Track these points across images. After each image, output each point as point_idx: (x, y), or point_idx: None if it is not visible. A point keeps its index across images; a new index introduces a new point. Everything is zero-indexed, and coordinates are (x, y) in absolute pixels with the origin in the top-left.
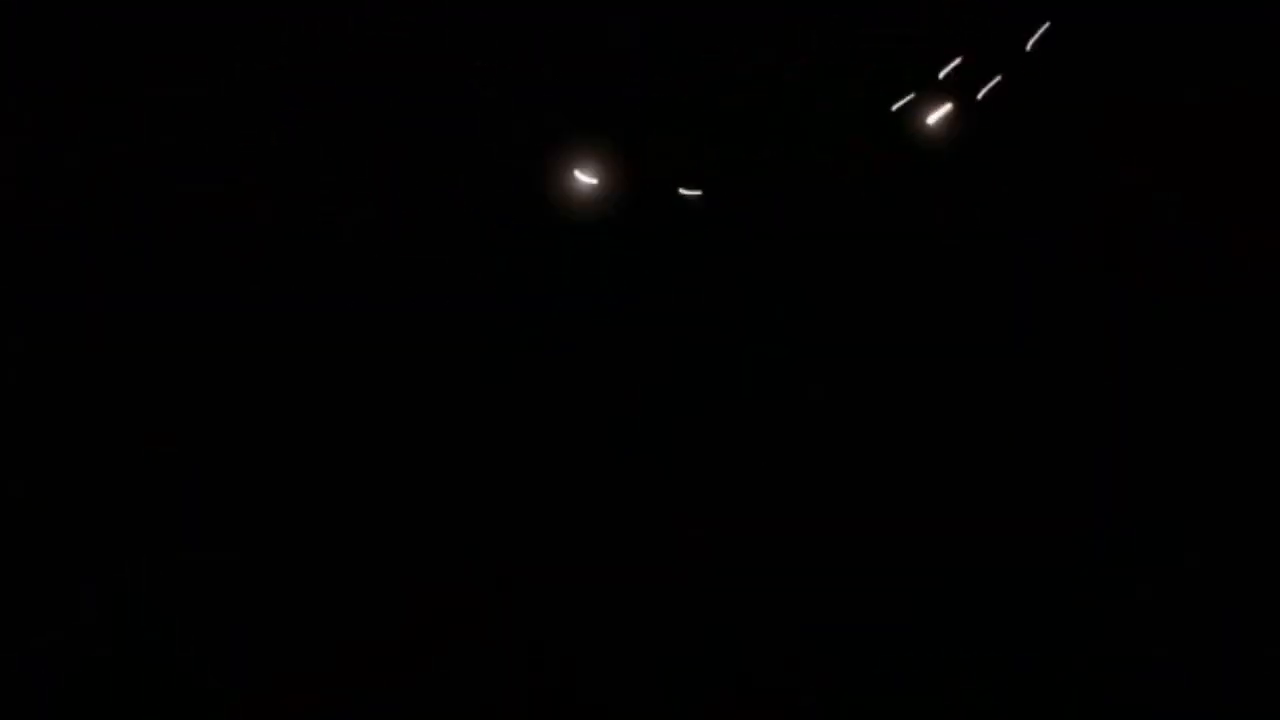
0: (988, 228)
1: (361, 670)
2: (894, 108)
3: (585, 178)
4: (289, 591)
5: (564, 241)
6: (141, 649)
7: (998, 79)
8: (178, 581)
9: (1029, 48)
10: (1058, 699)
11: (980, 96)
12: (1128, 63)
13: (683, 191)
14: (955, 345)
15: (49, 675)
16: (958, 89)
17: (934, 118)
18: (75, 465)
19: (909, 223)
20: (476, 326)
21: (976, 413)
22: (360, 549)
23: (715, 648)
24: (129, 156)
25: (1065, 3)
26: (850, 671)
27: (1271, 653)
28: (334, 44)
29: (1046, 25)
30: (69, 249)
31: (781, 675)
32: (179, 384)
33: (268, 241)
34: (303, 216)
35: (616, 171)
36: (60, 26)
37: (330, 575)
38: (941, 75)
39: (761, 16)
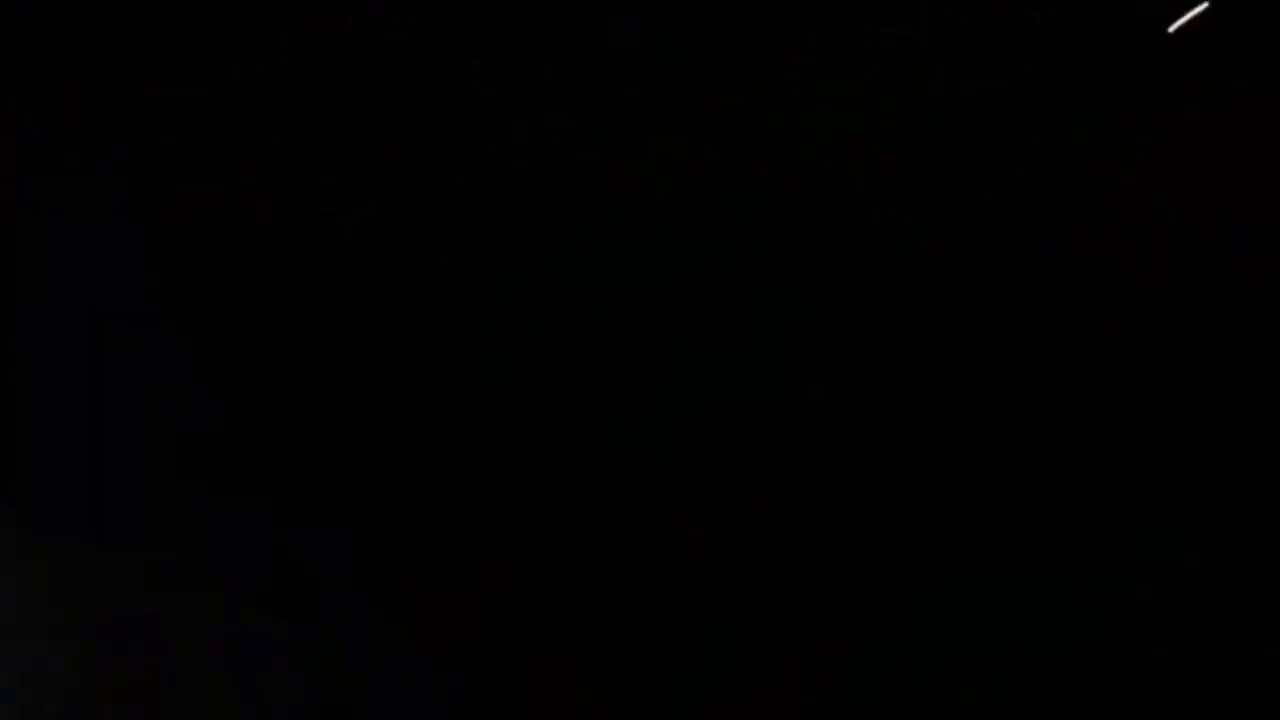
0: (988, 227)
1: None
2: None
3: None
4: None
5: (564, 242)
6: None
7: (997, 79)
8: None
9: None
10: (1058, 699)
11: (980, 97)
12: (1128, 63)
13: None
14: (955, 345)
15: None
16: (958, 89)
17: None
18: (73, 465)
19: (909, 222)
20: (477, 327)
21: (976, 413)
22: (358, 549)
23: (715, 647)
24: (129, 156)
25: (1063, 2)
26: (850, 671)
27: (1271, 653)
28: (334, 44)
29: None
30: (69, 249)
31: (782, 675)
32: (179, 384)
33: (268, 241)
34: (303, 216)
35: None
36: (60, 26)
37: (330, 575)
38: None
39: (762, 16)
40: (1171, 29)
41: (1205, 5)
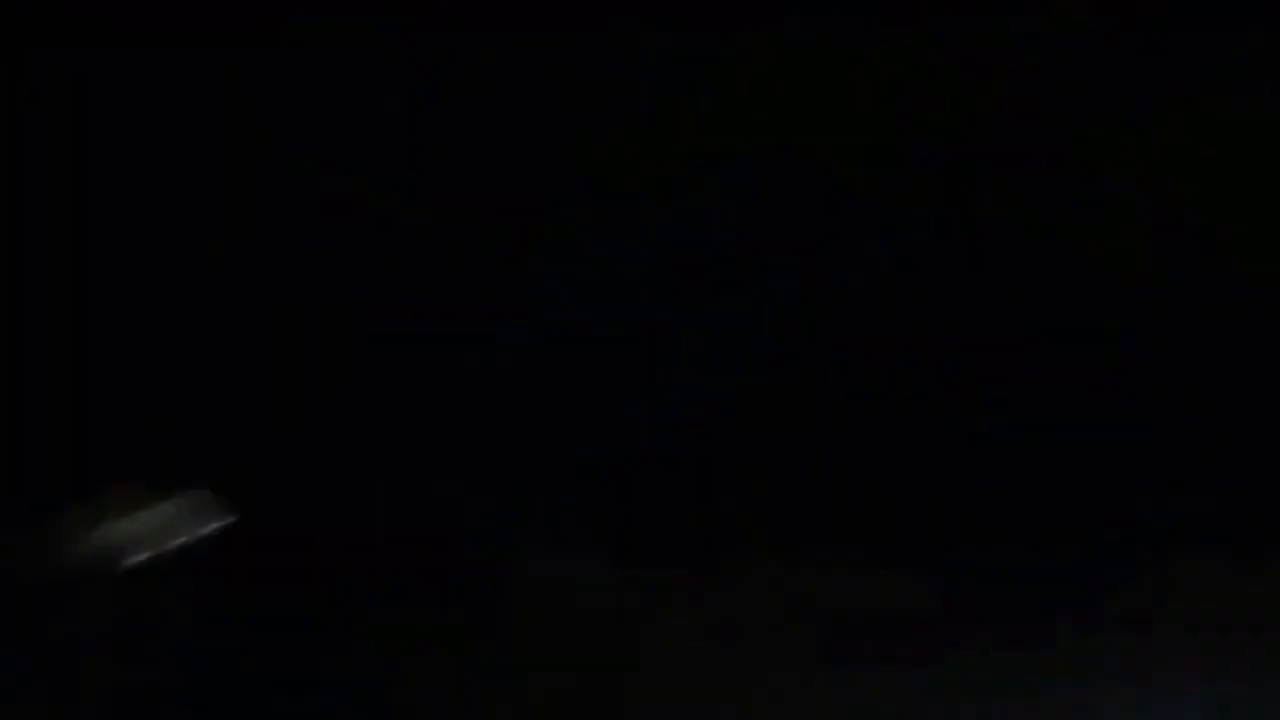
0: (988, 227)
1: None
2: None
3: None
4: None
5: (565, 242)
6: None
7: (998, 79)
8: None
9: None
10: (1058, 697)
11: (980, 97)
12: (1128, 63)
13: None
14: (956, 345)
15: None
16: (959, 89)
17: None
18: (73, 466)
19: (908, 222)
20: (478, 328)
21: (977, 412)
22: (357, 550)
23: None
24: (133, 158)
25: (1064, 3)
26: (850, 670)
27: (1271, 651)
28: (335, 46)
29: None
30: (70, 249)
31: (783, 674)
32: (180, 384)
33: (269, 242)
34: (306, 219)
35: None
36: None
37: (331, 577)
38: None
39: (762, 17)
40: None
41: None
